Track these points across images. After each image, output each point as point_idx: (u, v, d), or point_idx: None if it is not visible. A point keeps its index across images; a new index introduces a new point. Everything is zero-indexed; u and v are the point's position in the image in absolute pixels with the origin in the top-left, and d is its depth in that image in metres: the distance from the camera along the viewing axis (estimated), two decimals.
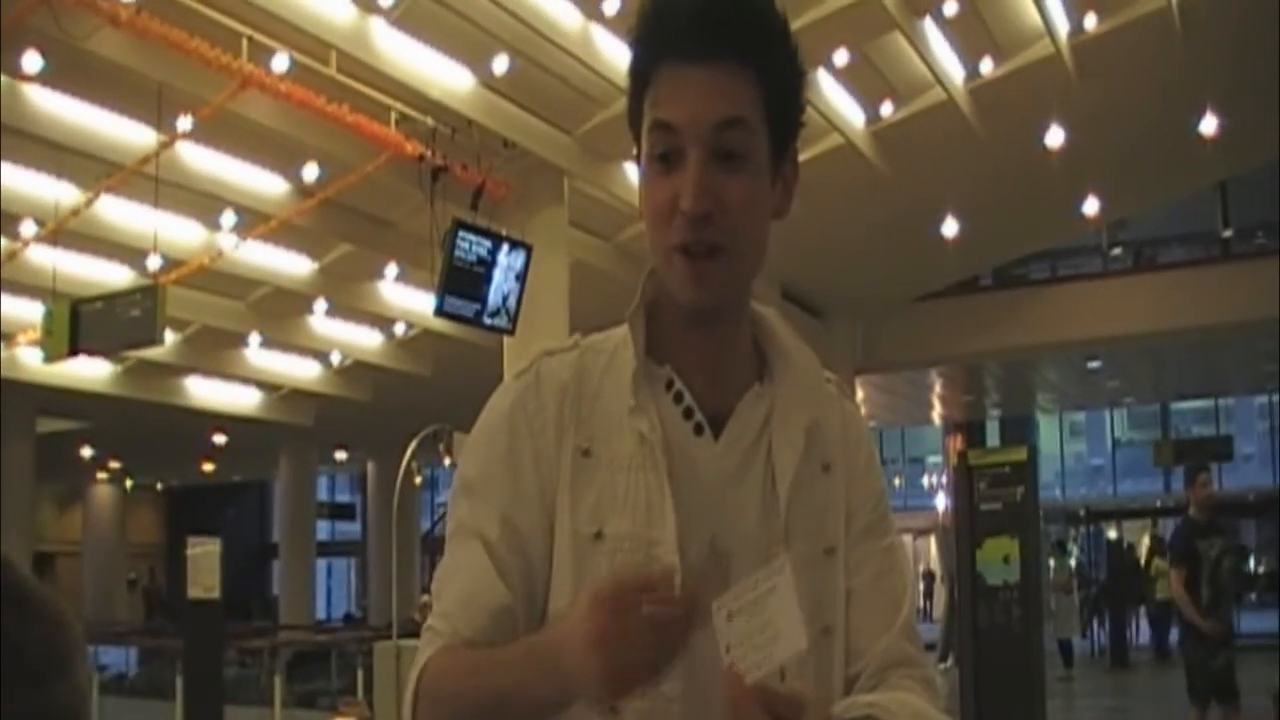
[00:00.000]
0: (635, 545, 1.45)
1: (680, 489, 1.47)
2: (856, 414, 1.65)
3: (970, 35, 11.12)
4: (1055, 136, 11.82)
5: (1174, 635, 20.08)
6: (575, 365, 1.55)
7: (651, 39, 1.46)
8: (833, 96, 11.13)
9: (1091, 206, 14.50)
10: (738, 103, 1.42)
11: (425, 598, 17.55)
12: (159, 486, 32.19)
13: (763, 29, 1.45)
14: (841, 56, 10.40)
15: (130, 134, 10.11)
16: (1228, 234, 18.81)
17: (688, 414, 1.51)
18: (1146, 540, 24.40)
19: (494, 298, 10.56)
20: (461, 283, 10.32)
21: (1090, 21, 11.17)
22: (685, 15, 1.43)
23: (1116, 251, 19.55)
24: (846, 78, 11.16)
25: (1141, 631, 21.83)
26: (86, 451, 24.22)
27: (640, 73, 1.48)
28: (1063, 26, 11.09)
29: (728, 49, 1.42)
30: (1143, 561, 22.22)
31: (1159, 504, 27.09)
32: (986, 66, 11.55)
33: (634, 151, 1.50)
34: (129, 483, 29.88)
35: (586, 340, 1.58)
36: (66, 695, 1.02)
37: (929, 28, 10.69)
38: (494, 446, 1.52)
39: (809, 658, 1.44)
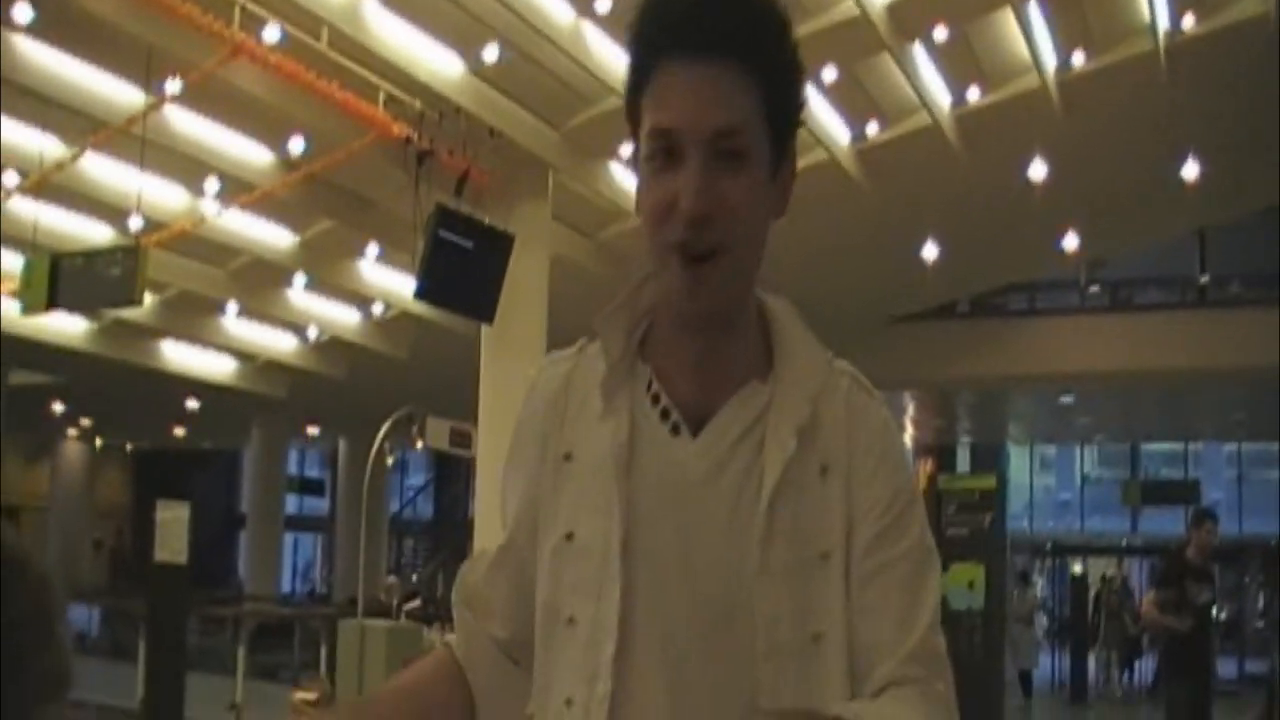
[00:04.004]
0: (595, 548, 1.48)
1: (650, 493, 1.48)
2: (874, 410, 1.56)
3: (959, 63, 11.22)
4: (1038, 170, 11.90)
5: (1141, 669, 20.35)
6: (568, 371, 1.58)
7: (650, 36, 1.46)
8: (820, 113, 11.21)
9: (1071, 242, 14.59)
10: (737, 105, 1.42)
11: (391, 579, 17.58)
12: (128, 448, 32.10)
13: (762, 27, 1.44)
14: (830, 74, 10.50)
15: (118, 93, 10.12)
16: (1204, 280, 18.96)
17: (665, 414, 1.51)
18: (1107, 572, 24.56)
19: (478, 283, 10.61)
20: (442, 268, 10.34)
21: (1078, 59, 11.28)
22: (685, 13, 1.43)
23: (1094, 289, 19.66)
24: (834, 95, 11.25)
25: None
26: (58, 407, 24.18)
27: (638, 70, 1.47)
28: (1050, 61, 11.19)
29: (727, 48, 1.41)
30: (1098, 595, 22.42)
31: (1125, 543, 27.20)
32: (974, 95, 11.65)
33: (630, 146, 1.50)
34: (99, 441, 29.82)
35: (592, 346, 1.58)
36: (55, 658, 1.08)
37: (918, 52, 10.79)
38: (511, 455, 1.63)
39: (793, 665, 1.45)
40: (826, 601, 1.47)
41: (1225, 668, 21.93)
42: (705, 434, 1.49)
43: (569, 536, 1.50)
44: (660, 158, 1.43)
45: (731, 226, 1.42)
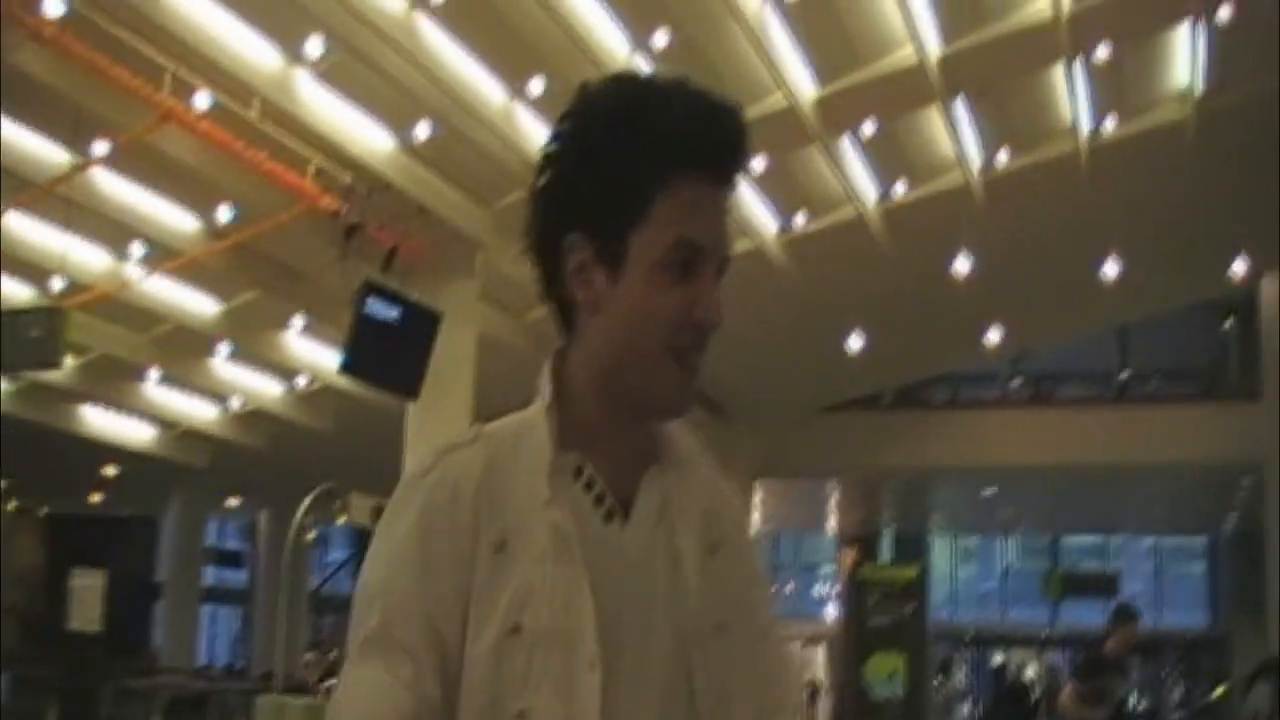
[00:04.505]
0: (555, 638, 1.45)
1: (596, 578, 1.47)
2: (732, 492, 1.68)
3: (886, 157, 11.41)
4: (962, 264, 12.09)
5: None
6: (484, 458, 1.53)
7: (675, 145, 1.48)
8: (749, 202, 11.33)
9: (994, 336, 14.80)
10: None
11: (309, 655, 17.32)
12: (43, 512, 31.49)
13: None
14: (760, 163, 10.61)
15: (45, 153, 10.06)
16: (1124, 376, 19.25)
17: (598, 500, 1.51)
18: (1032, 669, 24.64)
19: (404, 360, 10.57)
20: (368, 343, 10.31)
21: (1002, 157, 11.51)
22: (718, 135, 1.50)
23: (1016, 382, 19.90)
24: (763, 185, 11.38)
25: None
26: None
27: (651, 174, 1.48)
28: (975, 159, 11.41)
29: (738, 175, 1.52)
30: (1031, 690, 22.43)
31: (1045, 634, 27.34)
32: (900, 189, 11.83)
33: (593, 244, 1.50)
34: (12, 504, 29.22)
35: (488, 429, 1.57)
36: None
37: (846, 146, 10.96)
38: (406, 550, 1.50)
39: None
40: (729, 670, 1.54)
41: None
42: (633, 518, 1.53)
43: (515, 629, 1.46)
44: (680, 267, 1.48)
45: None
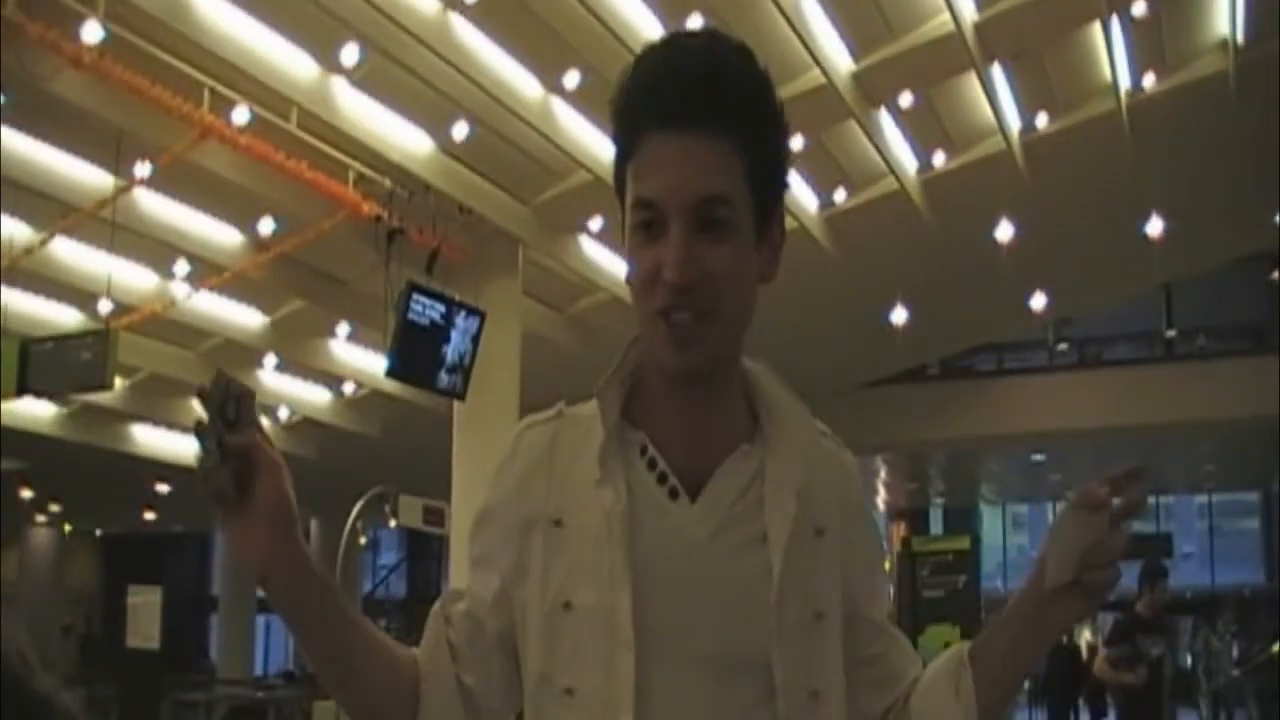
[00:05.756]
0: (600, 617, 1.46)
1: (652, 559, 1.46)
2: (854, 470, 1.64)
3: (924, 128, 11.33)
4: (1005, 231, 12.01)
5: None
6: (551, 435, 1.56)
7: (633, 107, 1.46)
8: (788, 180, 11.27)
9: (1039, 302, 14.70)
10: (719, 176, 1.42)
11: None
12: (98, 532, 31.75)
13: (745, 96, 1.45)
14: (798, 142, 10.58)
15: (88, 176, 10.11)
16: (1171, 335, 19.11)
17: (661, 479, 1.50)
18: (1088, 632, 24.49)
19: (450, 360, 10.61)
20: (413, 345, 10.35)
21: (1042, 120, 11.42)
22: (667, 84, 1.43)
23: (1062, 347, 19.79)
24: (802, 163, 11.32)
25: None
26: (26, 493, 23.91)
27: (623, 142, 1.48)
28: (1015, 124, 11.32)
29: (710, 119, 1.42)
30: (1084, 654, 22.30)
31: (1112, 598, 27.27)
32: (939, 159, 11.76)
33: (617, 217, 1.51)
34: (68, 527, 29.48)
35: (570, 409, 1.58)
36: None
37: (884, 119, 10.89)
38: (488, 524, 1.57)
39: (792, 718, 1.47)
40: (823, 660, 1.51)
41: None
42: (703, 498, 1.49)
43: (566, 605, 1.47)
44: (646, 228, 1.44)
45: (715, 295, 1.43)
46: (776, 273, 1.53)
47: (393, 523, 15.63)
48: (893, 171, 11.30)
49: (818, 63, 9.48)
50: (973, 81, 10.49)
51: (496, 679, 1.56)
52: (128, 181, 9.83)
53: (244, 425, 1.46)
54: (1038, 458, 22.04)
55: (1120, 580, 1.49)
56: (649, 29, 8.93)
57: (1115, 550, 1.43)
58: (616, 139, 1.49)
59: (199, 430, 1.45)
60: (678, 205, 1.41)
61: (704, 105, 1.42)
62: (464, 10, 8.77)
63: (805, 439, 1.56)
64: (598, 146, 9.82)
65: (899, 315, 13.78)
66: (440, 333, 10.51)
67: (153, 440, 17.42)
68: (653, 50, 1.48)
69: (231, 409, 1.45)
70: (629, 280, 1.49)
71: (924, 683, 1.59)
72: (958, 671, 1.54)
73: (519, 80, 9.47)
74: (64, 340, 10.84)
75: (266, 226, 11.13)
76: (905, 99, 10.53)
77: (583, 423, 1.54)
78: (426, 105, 9.63)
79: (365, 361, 14.19)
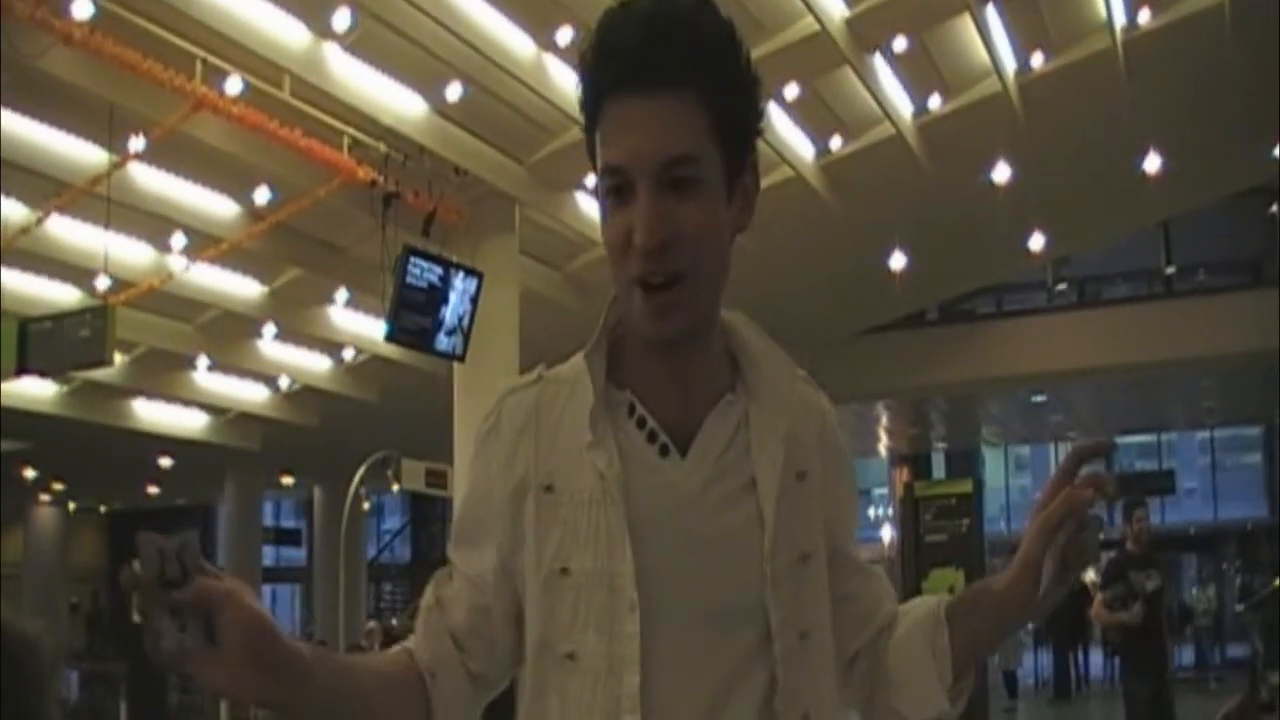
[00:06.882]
0: (599, 580, 1.46)
1: (647, 517, 1.46)
2: (831, 413, 1.65)
3: (919, 72, 11.27)
4: (1002, 173, 12.01)
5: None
6: (535, 400, 1.56)
7: (595, 73, 1.46)
8: (783, 129, 11.24)
9: (1037, 243, 14.68)
10: (682, 134, 1.41)
11: (371, 624, 17.45)
12: (102, 509, 31.79)
13: (702, 47, 1.43)
14: (792, 90, 10.53)
15: (81, 153, 10.06)
16: (1170, 271, 19.09)
17: (651, 437, 1.51)
18: (1091, 572, 24.61)
19: (449, 322, 10.60)
20: (412, 308, 10.34)
21: (1037, 60, 11.36)
22: (625, 47, 1.42)
23: (1061, 287, 19.75)
24: (797, 111, 11.28)
25: (1093, 664, 21.99)
26: (29, 473, 23.92)
27: (588, 108, 1.48)
28: (1010, 65, 11.26)
29: (666, 75, 1.41)
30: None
31: (1102, 537, 27.34)
32: (935, 103, 11.70)
33: (594, 181, 1.50)
34: (71, 505, 29.51)
35: (550, 372, 1.58)
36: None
37: (879, 64, 10.83)
38: (473, 494, 1.57)
39: (794, 663, 1.49)
40: (812, 601, 1.53)
41: (1209, 654, 22.20)
42: (693, 452, 1.50)
43: (563, 571, 1.47)
44: (615, 193, 1.44)
45: (688, 254, 1.43)
46: (749, 222, 1.52)
47: (395, 487, 15.69)
48: (889, 117, 11.24)
49: (811, 10, 9.39)
50: (967, 24, 10.43)
51: (503, 656, 1.56)
52: (122, 157, 9.77)
53: (191, 573, 1.29)
54: (1039, 399, 22.05)
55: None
56: None
57: (1091, 551, 1.56)
58: (583, 106, 1.49)
59: (143, 613, 1.30)
60: (642, 168, 1.41)
61: (658, 61, 1.41)
62: None
63: (785, 384, 1.58)
64: None
65: (897, 261, 13.78)
66: (438, 295, 10.50)
67: (154, 414, 17.42)
68: (609, 12, 1.47)
69: (174, 568, 1.28)
70: (604, 246, 1.49)
71: (900, 636, 1.63)
72: (934, 630, 1.58)
73: (511, 38, 9.41)
74: (62, 318, 10.79)
75: (262, 196, 11.09)
76: (899, 43, 10.46)
77: (565, 385, 1.55)
78: (419, 67, 9.56)
79: (364, 327, 14.17)
